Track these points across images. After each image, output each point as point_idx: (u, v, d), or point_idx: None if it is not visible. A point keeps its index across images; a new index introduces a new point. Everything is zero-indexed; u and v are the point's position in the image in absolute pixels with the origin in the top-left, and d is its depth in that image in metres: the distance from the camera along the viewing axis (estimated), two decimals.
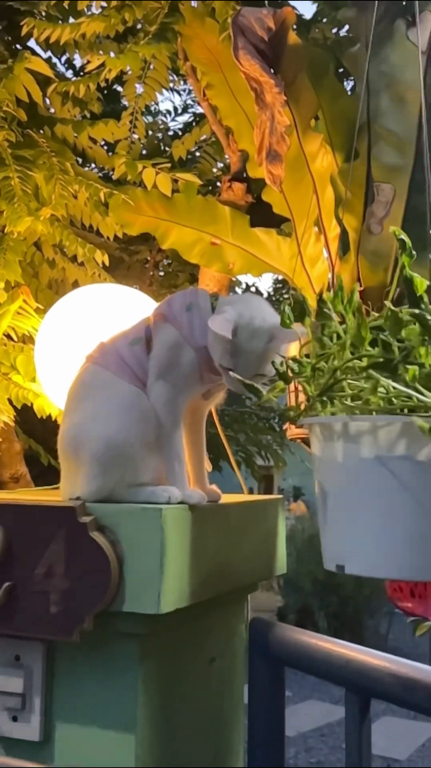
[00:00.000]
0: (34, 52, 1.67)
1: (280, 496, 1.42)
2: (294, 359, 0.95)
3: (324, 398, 0.85)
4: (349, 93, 1.35)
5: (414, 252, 0.82)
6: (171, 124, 2.89)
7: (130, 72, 1.65)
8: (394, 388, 0.79)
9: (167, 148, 2.02)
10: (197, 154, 2.11)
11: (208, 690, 1.22)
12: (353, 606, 6.66)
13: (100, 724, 1.05)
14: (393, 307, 0.81)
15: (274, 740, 1.14)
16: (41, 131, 1.60)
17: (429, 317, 0.78)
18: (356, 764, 1.03)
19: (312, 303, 0.91)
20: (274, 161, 1.22)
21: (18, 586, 1.05)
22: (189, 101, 3.03)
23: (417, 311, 0.79)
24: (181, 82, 2.62)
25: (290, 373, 0.92)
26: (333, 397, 0.84)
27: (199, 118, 2.04)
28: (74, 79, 1.66)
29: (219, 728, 1.25)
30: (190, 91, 3.02)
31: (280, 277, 3.07)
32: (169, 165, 1.54)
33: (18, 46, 1.78)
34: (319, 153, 1.30)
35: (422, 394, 0.75)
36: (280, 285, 3.02)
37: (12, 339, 1.47)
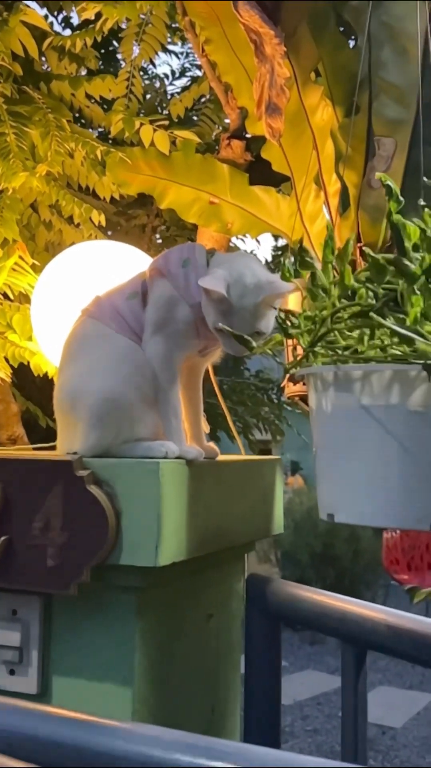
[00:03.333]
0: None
1: (278, 457, 1.41)
2: (287, 311, 0.94)
3: (318, 349, 0.84)
4: (351, 46, 1.32)
5: (401, 198, 0.80)
6: (169, 88, 2.85)
7: (126, 27, 1.62)
8: (385, 332, 0.78)
9: (166, 112, 1.99)
10: (195, 118, 2.09)
11: (206, 647, 1.23)
12: (350, 578, 6.70)
13: (97, 677, 1.06)
14: (373, 254, 0.80)
15: (271, 695, 1.15)
16: (37, 88, 1.57)
17: (407, 263, 0.77)
18: (352, 717, 1.03)
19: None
20: (274, 114, 1.20)
21: (15, 540, 1.05)
22: (187, 64, 2.98)
23: (392, 256, 0.79)
24: (179, 43, 2.58)
25: (290, 326, 0.91)
26: (327, 348, 0.83)
27: (198, 82, 2.00)
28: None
29: (217, 685, 1.26)
30: (188, 54, 2.98)
31: (280, 244, 3.05)
32: (167, 122, 1.52)
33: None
34: (319, 107, 1.28)
35: (422, 336, 0.74)
36: (279, 252, 3.00)
37: (8, 298, 1.45)
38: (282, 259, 1.00)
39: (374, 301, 0.79)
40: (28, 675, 1.08)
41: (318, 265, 0.86)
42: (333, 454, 0.86)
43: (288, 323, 0.90)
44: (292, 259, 0.91)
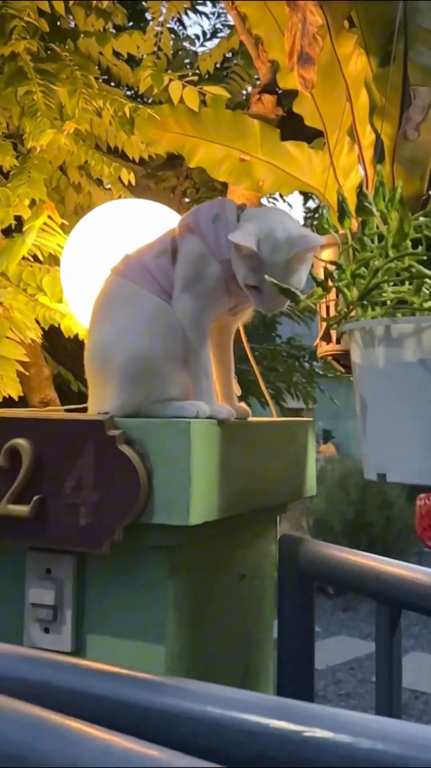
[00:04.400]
0: None
1: (310, 418, 1.39)
2: (333, 263, 0.91)
3: (365, 303, 0.82)
4: None
5: None
6: (199, 50, 2.79)
7: None
8: None
9: (195, 70, 1.95)
10: (225, 73, 2.04)
11: (238, 607, 1.22)
12: (382, 545, 6.69)
13: (130, 636, 1.06)
14: None
15: (304, 656, 1.14)
16: (64, 45, 1.55)
17: None
18: (386, 679, 1.03)
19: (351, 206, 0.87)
20: (306, 64, 1.16)
21: (48, 500, 1.05)
22: (218, 25, 2.92)
23: None
24: (209, 4, 2.52)
25: (329, 280, 0.88)
26: (374, 302, 0.80)
27: (228, 36, 1.95)
28: None
29: (250, 646, 1.26)
30: (219, 15, 2.92)
31: (311, 205, 2.99)
32: (196, 78, 1.48)
33: None
34: (353, 56, 1.24)
35: None
36: (310, 214, 2.95)
37: (38, 260, 1.44)
38: (321, 210, 0.97)
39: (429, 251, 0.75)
40: (62, 633, 1.09)
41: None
42: (383, 413, 0.84)
43: (330, 276, 0.87)
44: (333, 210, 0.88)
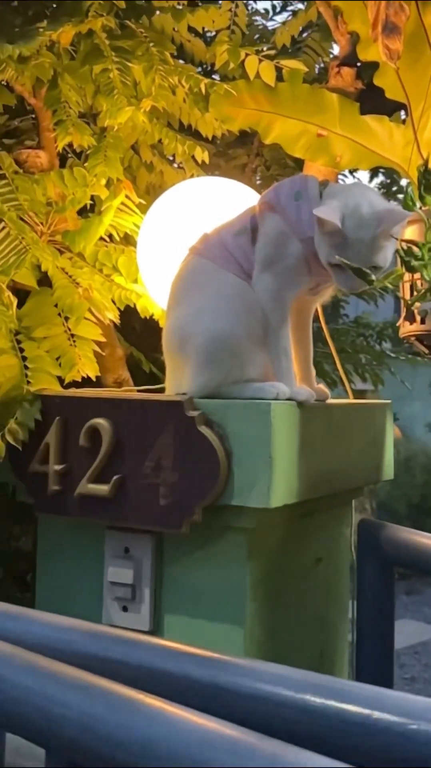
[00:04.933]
0: None
1: (389, 401, 1.36)
2: (412, 242, 0.88)
3: None
4: None
5: None
6: (269, 24, 2.74)
7: None
8: None
9: (269, 46, 1.91)
10: (298, 47, 1.99)
11: (314, 590, 1.21)
12: None
13: (208, 616, 1.06)
14: None
15: (385, 642, 1.13)
16: (139, 22, 1.53)
17: None
18: None
19: None
20: (392, 35, 1.12)
21: (127, 480, 1.06)
22: None
23: None
24: None
25: (413, 259, 0.85)
26: None
27: (306, 8, 1.90)
28: None
29: (325, 629, 1.25)
30: None
31: (383, 180, 2.92)
32: (273, 52, 1.45)
33: None
34: None
35: None
36: (384, 190, 2.88)
37: (113, 240, 1.44)
38: (406, 187, 0.93)
39: None
40: (140, 612, 1.10)
41: None
42: None
43: (412, 256, 0.84)
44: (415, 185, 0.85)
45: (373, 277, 0.93)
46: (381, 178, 3.07)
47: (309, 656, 1.21)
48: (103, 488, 1.06)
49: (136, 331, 2.06)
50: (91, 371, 1.20)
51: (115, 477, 1.06)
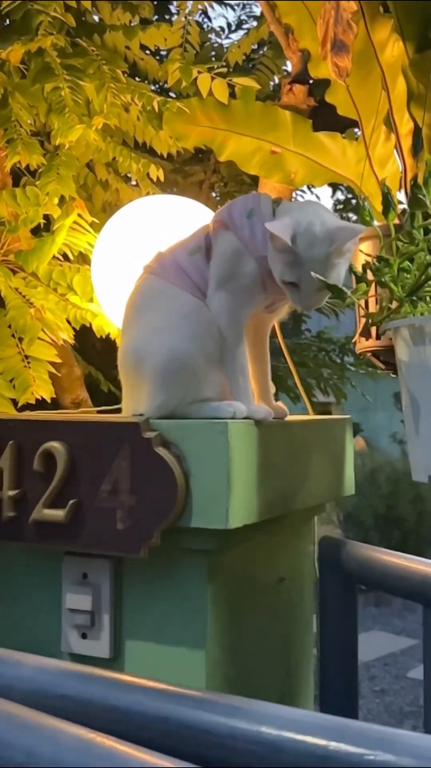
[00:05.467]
0: None
1: (348, 416, 1.36)
2: (379, 258, 0.88)
3: (414, 298, 0.78)
4: None
5: None
6: (224, 42, 2.76)
7: None
8: None
9: (222, 63, 1.91)
10: (251, 65, 2.00)
11: (278, 610, 1.20)
12: (414, 539, 6.63)
13: (169, 641, 1.04)
14: None
15: (347, 659, 1.12)
16: (91, 40, 1.52)
17: None
18: None
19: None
20: (340, 52, 1.12)
21: (84, 504, 1.03)
22: (243, 17, 2.88)
23: None
24: None
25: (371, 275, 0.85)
26: (423, 296, 0.77)
27: (257, 26, 1.92)
28: None
29: (290, 648, 1.23)
30: (244, 6, 2.88)
31: (341, 197, 2.95)
32: (225, 70, 1.45)
33: None
34: (389, 42, 1.20)
35: None
36: (341, 206, 2.91)
37: (68, 259, 1.43)
38: (362, 202, 0.93)
39: None
40: (100, 639, 1.07)
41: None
42: None
43: (374, 271, 0.84)
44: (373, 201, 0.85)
45: (347, 292, 0.93)
46: (341, 195, 3.11)
47: (274, 677, 1.19)
48: (58, 513, 1.04)
49: (96, 348, 2.04)
50: (46, 393, 1.17)
51: (71, 501, 1.03)
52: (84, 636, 1.08)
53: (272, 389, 1.18)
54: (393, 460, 7.54)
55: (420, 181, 0.79)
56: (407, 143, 1.18)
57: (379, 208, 0.96)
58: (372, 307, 1.07)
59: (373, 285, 0.94)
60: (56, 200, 1.32)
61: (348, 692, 1.14)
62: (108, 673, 0.66)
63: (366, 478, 6.69)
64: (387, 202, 0.81)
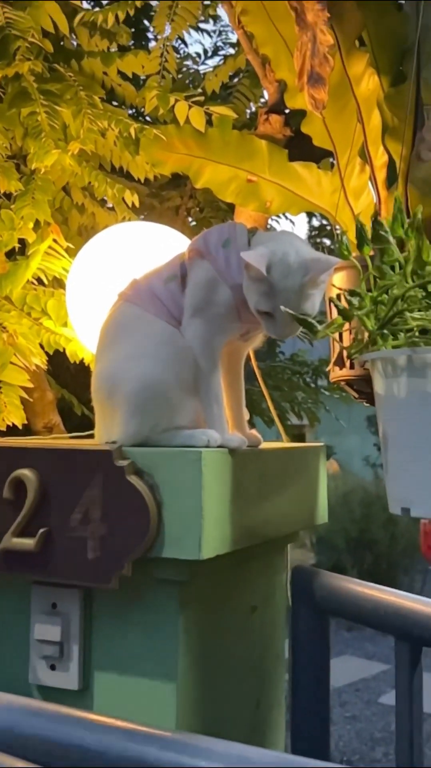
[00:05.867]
0: None
1: (322, 444, 1.36)
2: (352, 292, 0.88)
3: (386, 332, 0.79)
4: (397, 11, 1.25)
5: None
6: (201, 68, 2.78)
7: (158, 5, 1.57)
8: None
9: (200, 90, 1.93)
10: (229, 92, 2.02)
11: (250, 639, 1.19)
12: (387, 563, 6.64)
13: (139, 672, 1.02)
14: None
15: (319, 690, 1.11)
16: (68, 66, 1.53)
17: None
18: (407, 715, 0.99)
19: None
20: (317, 84, 1.14)
21: (54, 532, 1.02)
22: (219, 43, 2.91)
23: None
24: (211, 21, 2.52)
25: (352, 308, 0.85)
26: (396, 331, 0.77)
27: (234, 55, 1.94)
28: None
29: (262, 679, 1.22)
30: (220, 32, 2.91)
31: (316, 223, 2.97)
32: (202, 98, 1.46)
33: None
34: (364, 76, 1.22)
35: None
36: (316, 232, 2.94)
37: (42, 283, 1.42)
38: (341, 237, 0.94)
39: None
40: (69, 670, 1.05)
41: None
42: (407, 445, 0.81)
43: (351, 304, 0.84)
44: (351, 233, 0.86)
45: (317, 325, 0.93)
46: (317, 221, 3.14)
47: (245, 708, 1.18)
48: (28, 542, 1.02)
49: (70, 371, 2.02)
50: (17, 419, 1.16)
51: (41, 530, 1.02)
52: (53, 667, 1.06)
53: (246, 416, 1.18)
54: (366, 484, 7.57)
55: (387, 215, 0.80)
56: (381, 175, 1.20)
57: (354, 239, 0.96)
58: (347, 338, 1.08)
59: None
60: (31, 224, 1.31)
61: (319, 722, 1.13)
62: (74, 711, 0.64)
63: (338, 501, 6.71)
64: (361, 237, 0.82)
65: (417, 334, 0.77)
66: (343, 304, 0.87)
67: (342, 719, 4.28)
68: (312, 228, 2.94)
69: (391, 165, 1.18)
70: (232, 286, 1.03)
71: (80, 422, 1.86)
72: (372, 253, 0.84)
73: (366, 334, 0.82)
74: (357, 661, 5.31)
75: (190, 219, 2.32)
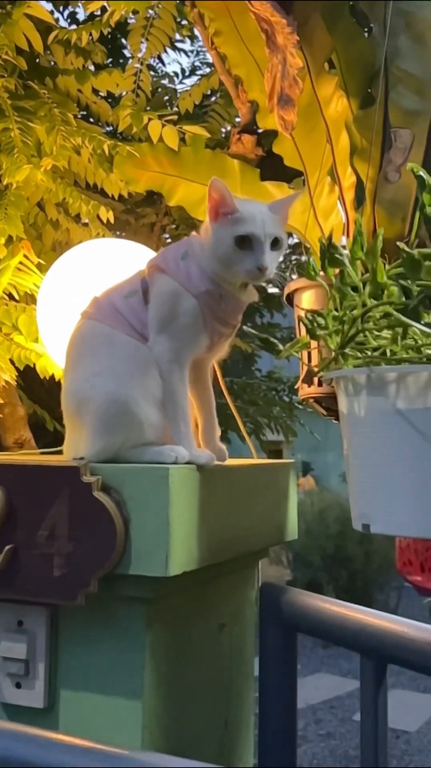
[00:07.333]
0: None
1: (292, 460, 1.37)
2: (313, 312, 0.90)
3: (347, 351, 0.80)
4: (365, 35, 1.27)
5: None
6: (178, 87, 2.80)
7: (134, 21, 1.58)
8: (422, 332, 0.73)
9: (175, 108, 1.95)
10: (204, 111, 2.04)
11: (218, 657, 1.19)
12: (362, 580, 6.65)
13: (106, 690, 1.02)
14: (408, 249, 0.76)
15: (286, 708, 1.11)
16: (43, 83, 1.54)
17: None
18: (372, 732, 0.99)
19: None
20: (286, 106, 1.15)
21: (20, 549, 1.01)
22: (197, 63, 2.94)
23: (429, 251, 0.74)
24: (188, 41, 2.54)
25: (316, 327, 0.86)
26: (361, 349, 0.78)
27: (208, 76, 1.96)
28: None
29: (230, 697, 1.22)
30: (198, 52, 2.94)
31: (290, 241, 2.99)
32: (175, 117, 1.47)
33: None
34: (333, 98, 1.24)
35: None
36: (290, 250, 2.96)
37: (14, 299, 1.42)
38: (305, 256, 0.96)
39: (406, 299, 0.74)
40: (34, 688, 1.05)
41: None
42: (367, 462, 0.82)
43: (315, 324, 0.86)
44: (316, 254, 0.87)
45: (280, 345, 0.94)
46: (293, 239, 3.16)
47: (213, 726, 1.18)
48: None
49: (44, 386, 2.02)
50: None
51: (6, 547, 1.01)
52: (18, 685, 1.05)
53: (217, 432, 1.17)
54: (342, 500, 7.58)
55: (348, 232, 0.81)
56: (350, 196, 1.21)
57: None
58: (315, 356, 1.09)
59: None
60: (3, 240, 1.31)
61: (286, 740, 1.12)
62: (33, 731, 0.64)
63: (315, 518, 6.72)
64: (324, 258, 0.83)
65: (376, 353, 0.78)
66: (309, 324, 0.87)
67: (317, 737, 4.27)
68: (288, 246, 2.96)
69: (360, 185, 1.20)
70: (196, 295, 1.04)
71: (53, 438, 1.85)
72: (337, 272, 0.86)
73: (331, 354, 0.83)
74: (332, 678, 5.30)
75: (165, 235, 2.33)
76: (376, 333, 0.78)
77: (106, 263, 1.28)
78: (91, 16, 1.66)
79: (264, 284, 1.10)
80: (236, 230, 1.02)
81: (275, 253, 1.03)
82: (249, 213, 1.03)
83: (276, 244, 1.03)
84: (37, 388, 2.03)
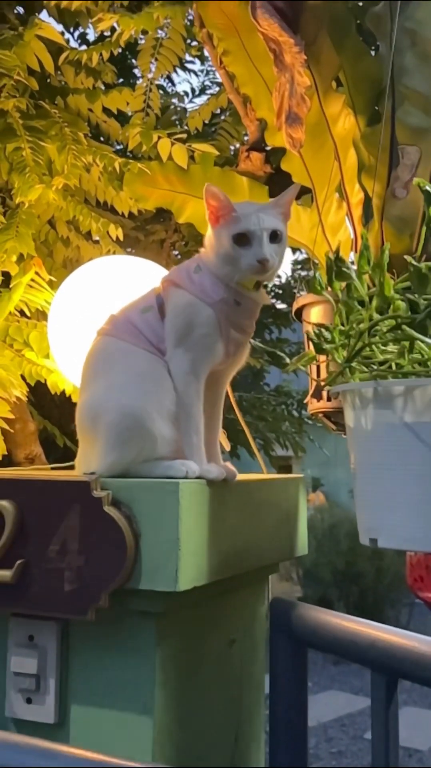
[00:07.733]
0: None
1: (301, 475, 1.37)
2: (321, 326, 0.90)
3: (354, 365, 0.80)
4: (372, 54, 1.29)
5: None
6: (188, 106, 2.83)
7: (143, 41, 1.61)
8: (429, 346, 0.74)
9: (184, 127, 1.97)
10: (213, 129, 2.06)
11: (228, 672, 1.18)
12: (373, 596, 6.61)
13: (116, 706, 1.02)
14: (415, 263, 0.76)
15: (297, 723, 1.10)
16: (54, 103, 1.56)
17: None
18: (383, 748, 0.99)
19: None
20: (294, 124, 1.17)
21: (31, 564, 1.02)
22: (207, 82, 2.97)
23: None
24: (198, 62, 2.57)
25: (323, 342, 0.87)
26: (368, 363, 0.79)
27: (216, 95, 1.98)
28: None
29: (240, 712, 1.21)
30: (208, 72, 2.97)
31: (299, 257, 3.01)
32: (185, 136, 1.49)
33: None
34: (341, 116, 1.25)
35: None
36: (299, 266, 2.98)
37: (25, 315, 1.43)
38: (312, 271, 0.97)
39: (413, 313, 0.75)
40: (45, 704, 1.05)
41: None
42: (374, 475, 0.82)
43: (322, 338, 0.86)
44: (323, 269, 0.88)
45: (287, 359, 0.94)
46: (301, 255, 3.18)
47: (223, 742, 1.17)
48: (5, 574, 1.02)
49: (55, 402, 2.03)
50: None
51: (18, 562, 1.02)
52: (29, 701, 1.05)
53: (226, 447, 1.18)
54: (353, 516, 7.52)
55: (356, 248, 0.82)
56: (357, 212, 1.22)
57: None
58: (323, 370, 1.09)
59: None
60: (15, 257, 1.33)
61: (297, 757, 1.12)
62: (45, 743, 0.64)
63: (325, 533, 6.69)
64: (331, 273, 0.84)
65: (383, 367, 0.78)
66: (316, 338, 0.88)
67: (328, 755, 4.23)
68: (296, 262, 2.98)
69: (368, 202, 1.21)
70: (211, 304, 1.05)
71: (63, 453, 1.86)
72: (343, 287, 0.86)
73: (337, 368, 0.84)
74: (343, 696, 5.26)
75: (175, 252, 2.35)
76: (383, 347, 0.79)
77: (116, 280, 1.29)
78: (101, 37, 1.69)
79: (273, 301, 1.11)
80: (233, 229, 1.04)
81: (276, 245, 1.04)
82: (244, 211, 1.05)
83: (275, 237, 1.04)
84: (47, 404, 2.04)
